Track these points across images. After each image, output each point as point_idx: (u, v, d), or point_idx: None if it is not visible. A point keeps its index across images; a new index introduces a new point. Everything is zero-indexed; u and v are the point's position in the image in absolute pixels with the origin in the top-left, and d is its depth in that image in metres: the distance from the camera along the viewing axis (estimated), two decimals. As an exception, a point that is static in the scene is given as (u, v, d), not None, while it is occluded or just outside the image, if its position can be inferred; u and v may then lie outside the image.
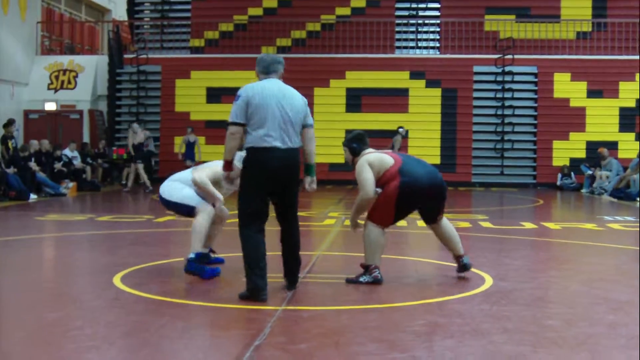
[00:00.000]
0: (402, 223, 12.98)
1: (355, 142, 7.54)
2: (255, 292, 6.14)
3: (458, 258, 7.59)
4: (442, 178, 7.61)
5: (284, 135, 6.37)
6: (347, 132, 8.31)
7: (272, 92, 6.43)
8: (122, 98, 26.37)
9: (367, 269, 7.23)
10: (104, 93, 26.53)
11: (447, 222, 7.71)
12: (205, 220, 7.50)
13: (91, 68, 26.47)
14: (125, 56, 26.62)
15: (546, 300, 6.62)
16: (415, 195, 7.30)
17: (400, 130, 22.59)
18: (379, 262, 7.24)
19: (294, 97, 6.54)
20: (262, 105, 6.35)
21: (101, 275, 7.61)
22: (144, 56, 25.97)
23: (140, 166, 20.75)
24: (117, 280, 7.19)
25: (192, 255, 7.36)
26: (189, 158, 21.86)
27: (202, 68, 25.97)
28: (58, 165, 20.04)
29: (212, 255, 8.17)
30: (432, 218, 7.64)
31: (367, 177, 7.25)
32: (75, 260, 9.10)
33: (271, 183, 6.40)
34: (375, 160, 7.37)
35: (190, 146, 22.27)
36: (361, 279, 7.17)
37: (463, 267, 7.57)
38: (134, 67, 25.96)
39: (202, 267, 7.36)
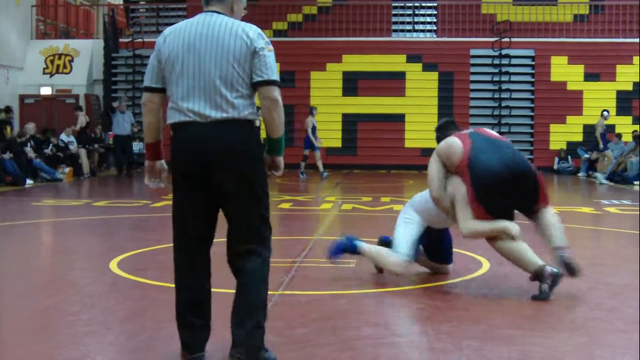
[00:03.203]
0: (398, 207, 12.98)
1: (439, 132, 6.75)
2: (183, 346, 4.23)
3: (554, 250, 6.23)
4: (525, 161, 6.44)
5: (206, 102, 4.04)
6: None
7: (190, 34, 4.10)
8: (118, 82, 26.29)
9: (539, 276, 6.00)
10: (99, 77, 26.41)
11: (550, 212, 6.34)
12: None
13: (87, 52, 26.35)
14: (121, 40, 26.50)
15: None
16: (492, 188, 6.15)
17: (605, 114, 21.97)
18: (540, 261, 6.05)
19: (226, 37, 4.05)
20: (173, 58, 4.11)
21: (98, 260, 7.61)
22: (140, 40, 25.86)
23: (83, 152, 20.73)
24: (114, 265, 7.17)
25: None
26: None
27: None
28: (48, 150, 19.95)
29: None
30: (528, 209, 6.39)
31: (431, 172, 6.44)
32: (71, 246, 9.08)
33: (194, 179, 4.09)
34: (443, 152, 6.44)
35: None
36: (544, 289, 5.94)
37: (564, 263, 6.12)
38: (130, 50, 25.84)
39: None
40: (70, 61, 26.11)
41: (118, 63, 26.30)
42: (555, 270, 5.95)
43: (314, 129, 20.69)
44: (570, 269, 6.04)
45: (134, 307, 5.67)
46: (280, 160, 4.24)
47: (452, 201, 6.31)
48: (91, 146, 22.40)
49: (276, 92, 4.05)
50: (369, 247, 6.69)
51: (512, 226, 6.11)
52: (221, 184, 4.04)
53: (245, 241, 4.10)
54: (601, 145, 21.12)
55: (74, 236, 9.85)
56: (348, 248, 6.70)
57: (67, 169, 19.67)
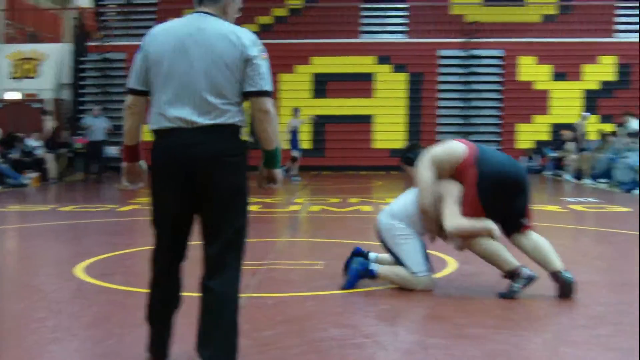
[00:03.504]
0: (366, 208, 13.04)
1: (410, 152, 6.60)
2: (150, 348, 4.17)
3: (555, 274, 6.07)
4: (524, 169, 6.52)
5: (194, 108, 3.83)
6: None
7: (180, 35, 3.89)
8: (86, 87, 26.14)
9: (512, 275, 6.03)
10: (68, 82, 26.26)
11: (535, 236, 6.25)
12: None
13: (55, 56, 26.18)
14: (90, 44, 26.36)
15: (507, 283, 6.65)
16: (498, 188, 6.07)
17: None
18: (516, 262, 6.07)
19: (219, 42, 3.84)
20: (160, 59, 3.89)
21: (64, 266, 7.55)
22: (109, 43, 25.72)
23: (50, 157, 20.59)
24: (80, 270, 7.13)
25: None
26: None
27: (167, 55, 25.71)
28: (14, 155, 19.78)
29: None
30: (515, 223, 6.22)
31: (423, 181, 6.21)
32: (37, 252, 9.01)
33: (176, 185, 3.88)
34: (441, 152, 6.28)
35: None
36: (515, 288, 5.98)
37: (565, 283, 6.01)
38: (99, 54, 25.71)
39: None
40: (38, 65, 25.92)
41: (87, 67, 26.17)
42: (532, 273, 5.99)
43: (295, 130, 20.49)
44: (569, 291, 5.98)
45: (100, 313, 5.64)
46: (278, 172, 4.07)
47: (438, 202, 6.21)
48: (59, 151, 22.23)
49: (269, 104, 3.87)
50: (390, 271, 6.31)
51: (494, 226, 6.09)
52: (204, 191, 3.85)
53: (221, 252, 3.88)
54: (582, 145, 21.13)
55: (40, 242, 9.76)
56: (364, 274, 6.30)
57: (34, 174, 19.50)
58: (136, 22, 27.49)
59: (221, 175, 3.83)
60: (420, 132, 24.97)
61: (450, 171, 6.19)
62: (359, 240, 8.86)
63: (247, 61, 3.83)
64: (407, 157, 6.59)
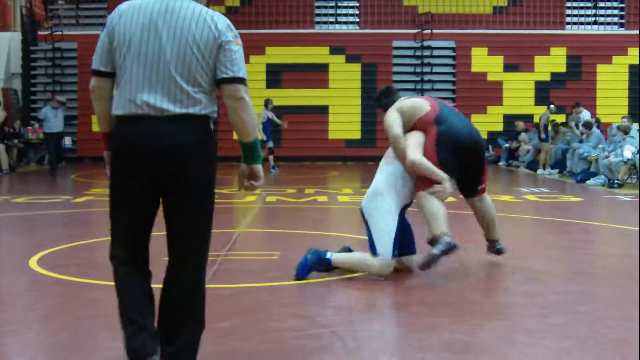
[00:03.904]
0: (322, 198, 13.06)
1: (385, 97, 6.76)
2: (133, 357, 3.69)
3: (492, 242, 6.99)
4: (480, 135, 6.81)
5: (164, 94, 3.56)
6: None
7: (151, 14, 3.60)
8: (37, 76, 25.76)
9: (434, 240, 6.21)
10: (17, 71, 25.85)
11: (489, 200, 6.86)
12: None
13: (3, 45, 25.74)
14: (40, 33, 25.96)
15: (464, 273, 6.73)
16: (454, 149, 6.34)
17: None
18: (445, 230, 6.22)
19: (192, 24, 3.58)
20: (128, 38, 3.59)
21: (17, 258, 7.45)
22: (59, 33, 25.37)
23: (1, 147, 20.24)
24: (33, 263, 7.04)
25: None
26: None
27: (120, 44, 25.42)
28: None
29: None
30: (472, 187, 6.73)
31: (390, 120, 6.46)
32: (-10, 243, 8.88)
33: (141, 182, 3.62)
34: (406, 105, 6.53)
35: None
36: (435, 251, 6.10)
37: (497, 252, 7.00)
38: (49, 44, 25.35)
39: None
40: (-13, 55, 25.48)
41: (37, 56, 25.78)
42: (454, 242, 6.11)
43: (268, 121, 20.19)
44: (501, 253, 6.95)
45: (54, 305, 5.58)
46: (259, 168, 3.79)
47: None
48: (10, 142, 21.90)
49: (242, 91, 3.59)
50: (344, 256, 6.32)
51: (448, 182, 6.25)
52: (173, 183, 3.60)
53: (192, 243, 3.70)
54: (543, 136, 21.26)
55: (-7, 234, 9.63)
56: (318, 264, 6.27)
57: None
58: (86, 12, 27.13)
59: (194, 167, 3.60)
60: (375, 123, 25.02)
61: (410, 125, 6.44)
62: (315, 230, 8.88)
63: (220, 47, 3.58)
64: (384, 103, 6.73)
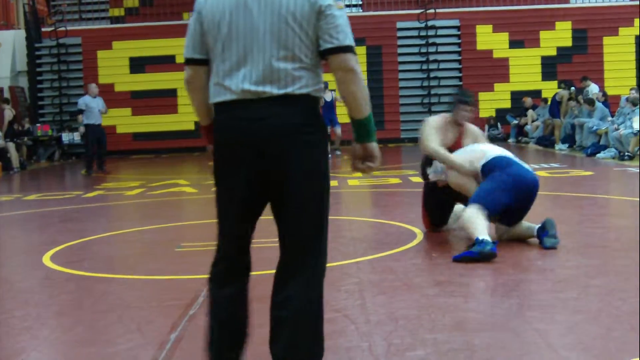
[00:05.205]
0: (333, 183, 13.07)
1: (465, 96, 7.67)
2: None
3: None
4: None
5: (260, 75, 3.22)
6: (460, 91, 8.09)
7: None
8: (43, 73, 25.80)
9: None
10: (23, 69, 25.91)
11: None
12: None
13: (8, 44, 25.77)
14: (44, 29, 25.98)
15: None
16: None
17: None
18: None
19: None
20: (218, 19, 3.27)
21: (31, 255, 7.50)
22: (63, 28, 25.38)
23: (11, 145, 20.26)
24: (47, 259, 7.08)
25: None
26: None
27: (124, 38, 25.49)
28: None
29: None
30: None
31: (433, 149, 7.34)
32: (3, 242, 8.93)
33: (242, 172, 3.28)
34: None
35: None
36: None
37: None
38: (53, 40, 25.36)
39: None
40: (-8, 53, 25.53)
41: (42, 53, 25.81)
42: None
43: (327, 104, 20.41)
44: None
45: (68, 300, 5.61)
46: (374, 146, 3.37)
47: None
48: (19, 139, 21.98)
49: (352, 61, 3.23)
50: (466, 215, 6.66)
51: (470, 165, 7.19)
52: (277, 174, 3.25)
53: (299, 250, 3.37)
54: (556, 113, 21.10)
55: (5, 232, 9.67)
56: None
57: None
58: (89, 6, 27.11)
59: (297, 154, 3.22)
60: (382, 105, 24.99)
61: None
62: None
63: (319, 13, 3.19)
64: (464, 100, 7.51)
